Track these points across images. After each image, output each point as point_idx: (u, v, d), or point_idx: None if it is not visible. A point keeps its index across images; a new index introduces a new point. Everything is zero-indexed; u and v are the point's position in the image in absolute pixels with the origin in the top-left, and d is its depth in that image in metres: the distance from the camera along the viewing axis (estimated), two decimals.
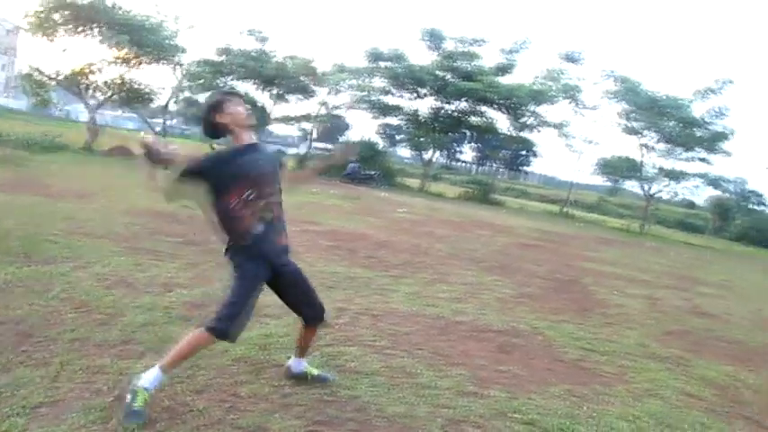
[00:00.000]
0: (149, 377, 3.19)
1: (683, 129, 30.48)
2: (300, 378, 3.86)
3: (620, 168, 32.90)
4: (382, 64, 32.70)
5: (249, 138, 3.48)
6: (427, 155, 35.87)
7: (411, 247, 10.80)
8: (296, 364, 3.88)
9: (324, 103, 36.83)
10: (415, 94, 33.79)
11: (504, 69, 32.79)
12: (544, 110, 32.75)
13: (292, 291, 3.65)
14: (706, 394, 4.96)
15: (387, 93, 33.60)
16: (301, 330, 3.81)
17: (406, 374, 4.27)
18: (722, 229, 50.57)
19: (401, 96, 34.04)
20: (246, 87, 33.63)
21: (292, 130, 43.88)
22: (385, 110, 34.03)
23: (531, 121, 33.27)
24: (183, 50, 27.31)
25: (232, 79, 33.90)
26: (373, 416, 3.54)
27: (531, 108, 32.37)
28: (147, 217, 9.40)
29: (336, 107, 38.17)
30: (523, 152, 67.00)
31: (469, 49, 32.17)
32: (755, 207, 64.88)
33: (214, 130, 3.49)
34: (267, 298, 5.67)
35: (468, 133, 47.07)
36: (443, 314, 6.22)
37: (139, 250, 7.06)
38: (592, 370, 5.11)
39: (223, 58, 33.41)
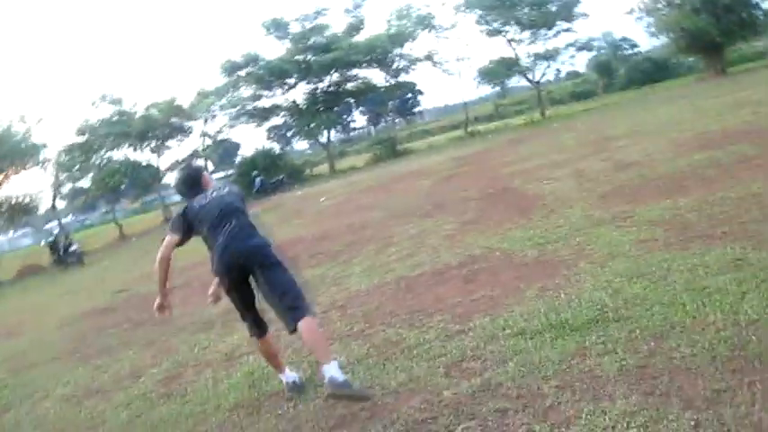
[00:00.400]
0: (334, 370, 3.35)
1: (537, 10, 31.44)
2: (300, 388, 3.99)
3: (499, 71, 33.74)
4: (242, 72, 32.12)
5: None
6: (322, 138, 35.68)
7: (347, 228, 10.79)
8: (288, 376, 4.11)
9: (204, 134, 36.01)
10: (286, 87, 33.47)
11: (355, 28, 32.86)
12: (409, 48, 33.13)
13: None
14: (658, 234, 5.22)
15: (258, 98, 33.15)
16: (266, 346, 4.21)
17: (392, 344, 4.30)
18: (610, 85, 52.66)
19: (273, 95, 33.68)
20: (122, 153, 32.37)
21: None
22: (264, 114, 33.60)
23: (401, 64, 33.58)
24: (44, 146, 26.13)
25: (105, 151, 32.58)
26: (380, 396, 3.55)
27: (397, 52, 32.63)
28: (84, 320, 9.05)
29: (218, 132, 37.40)
30: (408, 96, 67.61)
31: (315, 23, 32.01)
32: (630, 52, 67.90)
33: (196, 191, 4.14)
34: (235, 337, 5.63)
35: (352, 101, 47.14)
36: (403, 274, 6.27)
37: (92, 355, 6.78)
38: (553, 260, 5.28)
39: (86, 135, 31.99)
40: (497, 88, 71.78)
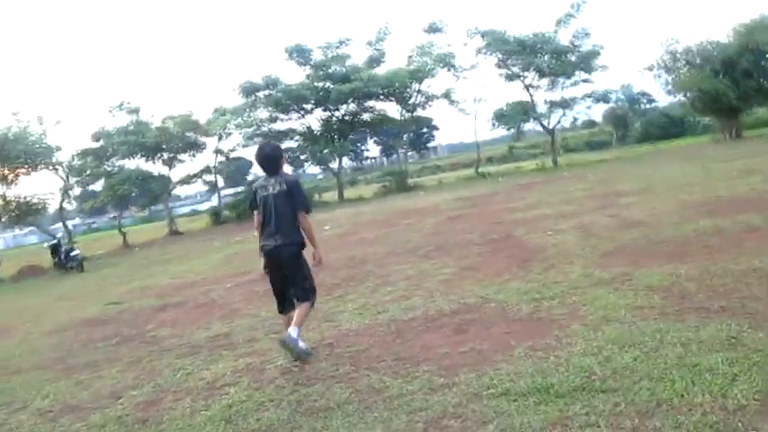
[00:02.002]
0: (294, 332, 4.97)
1: (557, 59, 31.75)
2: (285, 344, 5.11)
3: (514, 114, 33.91)
4: (260, 94, 32.44)
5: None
6: (334, 165, 35.81)
7: (347, 261, 10.75)
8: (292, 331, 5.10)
9: (218, 151, 36.21)
10: (303, 112, 33.75)
11: (376, 60, 33.22)
12: (427, 85, 33.43)
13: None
14: (655, 301, 5.15)
15: (274, 120, 33.41)
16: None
17: (375, 392, 4.22)
18: (625, 137, 52.95)
19: (289, 119, 33.97)
20: (134, 163, 32.54)
21: (198, 186, 42.92)
22: (279, 136, 33.79)
23: (418, 99, 33.83)
24: (58, 148, 26.34)
25: (118, 159, 32.80)
26: None
27: (415, 87, 32.93)
28: (74, 329, 8.97)
29: (232, 150, 37.62)
30: (423, 130, 68.11)
31: (337, 52, 32.43)
32: (647, 106, 68.50)
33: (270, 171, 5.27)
34: (220, 366, 5.56)
35: (367, 131, 47.47)
36: (395, 316, 6.21)
37: (76, 367, 6.70)
38: (547, 318, 5.21)
39: (101, 142, 32.25)
40: (512, 131, 72.43)
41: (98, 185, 33.92)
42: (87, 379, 6.12)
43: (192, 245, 22.25)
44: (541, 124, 34.86)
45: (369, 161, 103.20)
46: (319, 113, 34.24)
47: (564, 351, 4.31)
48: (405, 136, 42.65)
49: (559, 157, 35.27)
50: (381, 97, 33.45)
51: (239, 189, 37.45)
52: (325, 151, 33.64)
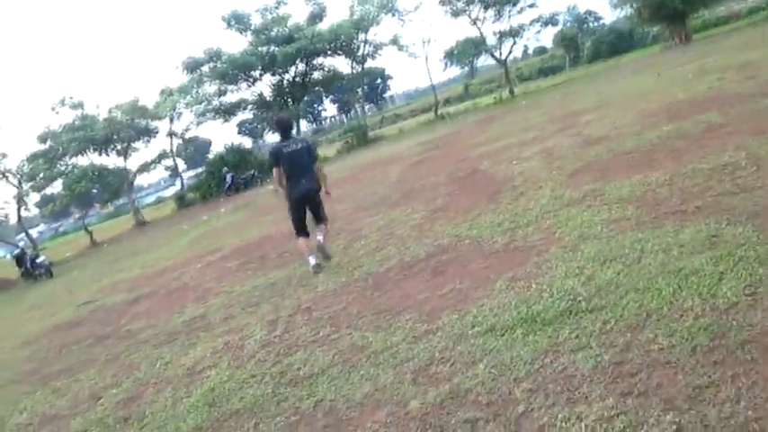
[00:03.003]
0: (321, 239, 6.82)
1: None
2: (319, 267, 6.81)
3: (465, 51, 33.49)
4: (204, 68, 31.43)
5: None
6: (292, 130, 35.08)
7: None
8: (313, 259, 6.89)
9: (172, 134, 35.24)
10: (251, 80, 32.86)
11: (318, 16, 32.32)
12: (373, 34, 32.71)
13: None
14: (630, 212, 5.03)
15: (223, 93, 32.50)
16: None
17: (359, 349, 4.06)
18: (577, 59, 52.83)
19: (239, 89, 33.06)
20: (87, 159, 31.48)
21: (160, 173, 42.12)
22: (231, 109, 32.97)
23: (366, 50, 33.13)
24: (4, 156, 25.29)
25: (70, 157, 31.71)
26: (344, 410, 3.31)
27: (361, 38, 32.21)
28: (47, 337, 8.66)
29: (186, 130, 36.63)
30: (377, 82, 67.22)
31: (277, 13, 31.42)
32: (595, 24, 68.35)
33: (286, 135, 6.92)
34: (198, 349, 5.34)
35: (321, 90, 46.60)
36: (371, 270, 6.03)
37: (51, 375, 6.44)
38: (523, 247, 5.07)
39: (48, 142, 31.07)
40: (466, 69, 71.90)
41: (56, 188, 32.90)
42: (64, 385, 5.87)
43: (160, 233, 21.75)
44: (493, 57, 34.49)
45: (328, 121, 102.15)
46: (269, 79, 33.37)
47: (545, 277, 4.17)
48: (359, 90, 41.98)
49: (515, 88, 35.05)
50: (329, 53, 32.67)
51: (199, 170, 36.59)
52: None
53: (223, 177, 29.08)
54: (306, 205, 6.96)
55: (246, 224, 14.25)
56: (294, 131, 7.50)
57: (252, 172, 29.59)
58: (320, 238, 6.90)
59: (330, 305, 5.34)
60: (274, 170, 6.86)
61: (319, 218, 7.07)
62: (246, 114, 35.37)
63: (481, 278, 4.63)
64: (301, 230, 7.05)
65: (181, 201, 33.02)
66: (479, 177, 9.43)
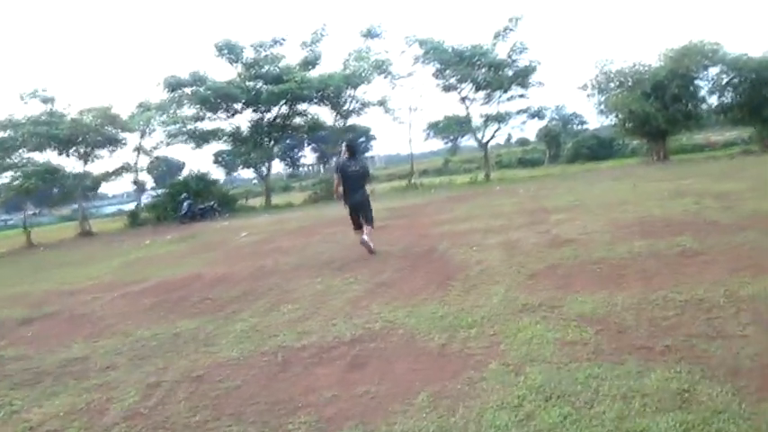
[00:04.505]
0: (366, 237, 9.49)
1: (494, 72, 31.46)
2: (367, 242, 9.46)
3: (450, 126, 33.47)
4: (186, 90, 30.76)
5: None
6: (260, 170, 34.27)
7: (253, 272, 9.67)
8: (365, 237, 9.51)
9: (139, 149, 34.22)
10: (231, 111, 32.22)
11: (311, 63, 32.08)
12: (362, 91, 32.56)
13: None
14: (589, 335, 4.34)
15: (201, 119, 31.78)
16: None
17: None
18: (557, 156, 53.67)
19: (217, 118, 32.35)
20: (45, 156, 30.18)
21: (127, 186, 40.71)
22: (205, 136, 32.17)
23: (352, 105, 32.92)
24: None
25: (28, 151, 30.35)
26: None
27: (350, 93, 32.01)
28: None
29: (155, 148, 35.60)
30: (362, 139, 67.20)
31: (270, 51, 31.17)
32: (579, 127, 70.22)
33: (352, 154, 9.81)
34: (56, 403, 4.35)
35: (305, 137, 46.21)
36: (285, 342, 5.20)
37: None
38: (461, 353, 4.32)
39: (8, 132, 29.74)
40: (449, 144, 72.63)
41: (5, 178, 31.37)
42: None
43: (100, 247, 20.55)
44: (476, 138, 34.52)
45: (305, 168, 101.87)
46: (249, 114, 32.79)
47: (476, 401, 3.41)
48: (342, 144, 41.62)
49: (493, 173, 35.04)
50: (315, 101, 32.31)
51: (158, 192, 35.36)
52: (253, 154, 32.12)
53: (180, 203, 28.02)
54: (357, 210, 9.69)
55: (184, 257, 13.32)
56: (357, 154, 10.12)
57: (212, 203, 28.57)
58: (365, 236, 9.53)
59: (225, 378, 4.48)
60: (336, 177, 9.86)
61: (367, 220, 9.66)
62: (221, 145, 34.51)
63: (404, 384, 3.84)
64: (358, 227, 9.80)
65: (133, 218, 31.75)
66: (435, 257, 8.75)
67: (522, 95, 32.86)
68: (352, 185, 9.48)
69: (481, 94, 32.71)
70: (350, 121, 35.29)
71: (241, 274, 9.60)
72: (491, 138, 34.95)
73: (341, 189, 9.53)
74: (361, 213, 9.65)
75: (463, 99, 33.14)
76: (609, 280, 5.98)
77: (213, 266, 10.99)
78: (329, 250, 11.10)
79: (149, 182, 68.65)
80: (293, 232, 15.83)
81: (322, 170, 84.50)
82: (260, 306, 6.89)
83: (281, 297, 7.27)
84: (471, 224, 12.21)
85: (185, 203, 27.60)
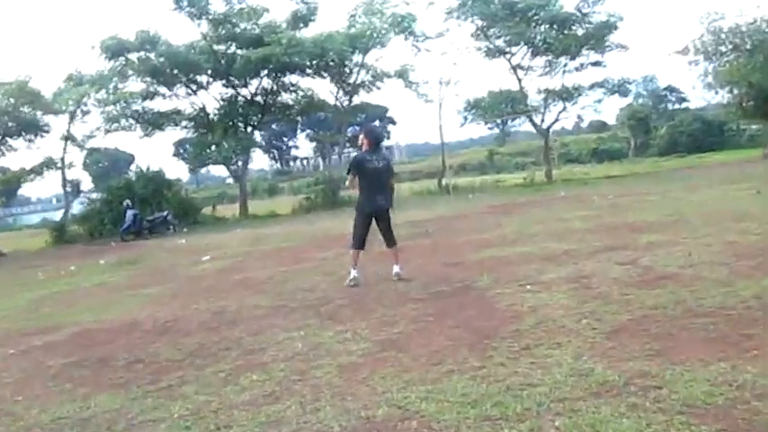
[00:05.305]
0: (397, 269, 10.21)
1: (558, 31, 31.17)
2: (357, 280, 10.10)
3: (496, 106, 33.15)
4: (133, 56, 30.77)
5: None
6: (235, 166, 34.15)
7: (210, 318, 9.38)
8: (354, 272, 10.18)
9: (68, 137, 34.28)
10: (194, 86, 32.22)
11: (303, 19, 32.07)
12: (375, 58, 32.41)
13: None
14: None
15: (152, 96, 31.80)
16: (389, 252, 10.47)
17: None
18: (645, 146, 53.18)
19: (174, 95, 32.37)
20: None
21: (56, 187, 40.85)
22: (155, 121, 32.20)
23: (361, 77, 32.74)
24: None
25: None
26: None
27: (357, 59, 31.86)
28: None
29: (89, 136, 35.65)
30: (373, 122, 67.23)
31: (246, 4, 31.05)
32: (676, 106, 69.38)
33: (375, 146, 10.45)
34: None
35: (297, 120, 46.10)
36: None
37: None
38: None
39: None
40: (495, 130, 72.38)
41: None
42: None
43: (6, 275, 20.53)
44: (532, 122, 34.21)
45: (298, 163, 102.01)
46: (219, 89, 32.86)
47: None
48: (348, 129, 41.29)
49: (556, 170, 34.70)
50: (310, 71, 32.23)
51: (94, 196, 35.46)
52: (225, 144, 31.91)
53: (123, 212, 27.93)
54: (375, 221, 10.10)
55: (120, 293, 13.13)
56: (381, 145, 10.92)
57: (165, 213, 28.48)
58: (397, 269, 10.12)
59: None
60: (350, 176, 10.18)
61: (390, 239, 10.25)
62: (180, 132, 34.55)
63: None
64: (361, 246, 10.21)
65: (59, 233, 31.81)
66: (470, 300, 8.35)
67: (596, 63, 32.62)
68: (374, 186, 9.96)
69: (540, 60, 32.59)
70: (358, 99, 35.20)
71: (193, 320, 9.34)
72: (554, 121, 34.74)
73: (355, 184, 10.15)
74: (381, 226, 10.17)
75: (515, 68, 32.90)
76: (730, 342, 5.51)
77: (156, 308, 10.75)
78: (319, 285, 10.88)
79: (87, 181, 69.34)
80: (272, 256, 15.72)
81: (321, 165, 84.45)
82: (212, 375, 6.50)
83: (243, 361, 6.88)
84: (524, 248, 12.03)
85: (129, 213, 27.55)
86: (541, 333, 6.43)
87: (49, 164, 34.07)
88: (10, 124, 31.05)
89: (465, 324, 7.20)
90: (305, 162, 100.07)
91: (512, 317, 7.21)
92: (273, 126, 46.32)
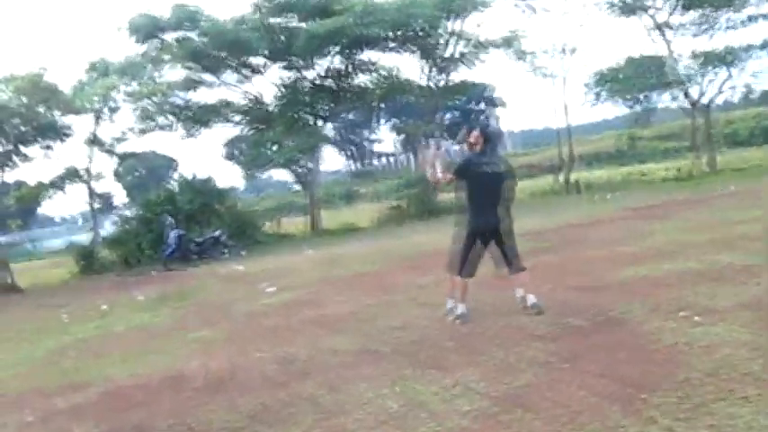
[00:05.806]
0: (534, 299, 9.93)
1: None
2: (466, 316, 10.02)
3: (636, 77, 32.53)
4: (168, 37, 31.44)
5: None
6: (302, 168, 34.49)
7: (277, 368, 9.51)
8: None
9: (94, 140, 35.14)
10: (246, 71, 32.70)
11: None
12: (474, 24, 32.34)
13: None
14: None
15: (194, 86, 32.40)
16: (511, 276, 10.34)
17: None
18: None
19: (221, 84, 32.91)
20: None
21: (79, 201, 42.26)
22: (202, 115, 32.79)
23: (456, 49, 32.67)
24: None
25: None
26: None
27: (452, 28, 31.88)
28: None
29: (120, 139, 36.47)
30: (472, 106, 67.18)
31: None
32: None
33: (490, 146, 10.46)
34: None
35: (378, 107, 46.44)
36: None
37: None
38: None
39: None
40: (635, 108, 71.40)
41: None
42: None
43: (23, 316, 21.17)
44: (686, 95, 33.47)
45: (381, 161, 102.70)
46: (277, 73, 33.28)
47: None
48: (439, 116, 41.32)
49: (719, 156, 33.84)
50: (389, 45, 32.36)
51: (129, 212, 36.31)
52: (288, 142, 32.28)
53: (166, 235, 28.40)
54: (490, 239, 9.99)
55: (162, 338, 13.36)
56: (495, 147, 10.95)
57: (217, 233, 28.87)
58: (533, 299, 9.86)
59: None
60: (449, 174, 10.22)
61: (515, 264, 10.05)
62: (231, 129, 35.09)
63: None
64: (471, 273, 10.06)
65: (87, 261, 32.56)
66: (617, 339, 8.14)
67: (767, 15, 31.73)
68: (485, 197, 9.89)
69: (691, 16, 31.81)
70: (454, 77, 35.18)
71: (254, 372, 9.49)
72: (716, 94, 33.80)
73: (445, 176, 10.28)
74: (498, 246, 10.07)
75: (659, 27, 32.29)
76: None
77: (207, 357, 10.91)
78: (415, 322, 10.89)
79: (120, 194, 71.28)
80: (353, 284, 15.91)
81: (410, 162, 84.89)
82: None
83: (320, 429, 6.79)
84: (684, 264, 11.84)
85: (172, 234, 28.01)
86: (720, 383, 6.20)
87: (71, 175, 34.85)
88: (23, 128, 31.83)
89: (612, 372, 7.02)
90: (390, 160, 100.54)
91: (676, 361, 7.00)
92: (348, 116, 46.30)
